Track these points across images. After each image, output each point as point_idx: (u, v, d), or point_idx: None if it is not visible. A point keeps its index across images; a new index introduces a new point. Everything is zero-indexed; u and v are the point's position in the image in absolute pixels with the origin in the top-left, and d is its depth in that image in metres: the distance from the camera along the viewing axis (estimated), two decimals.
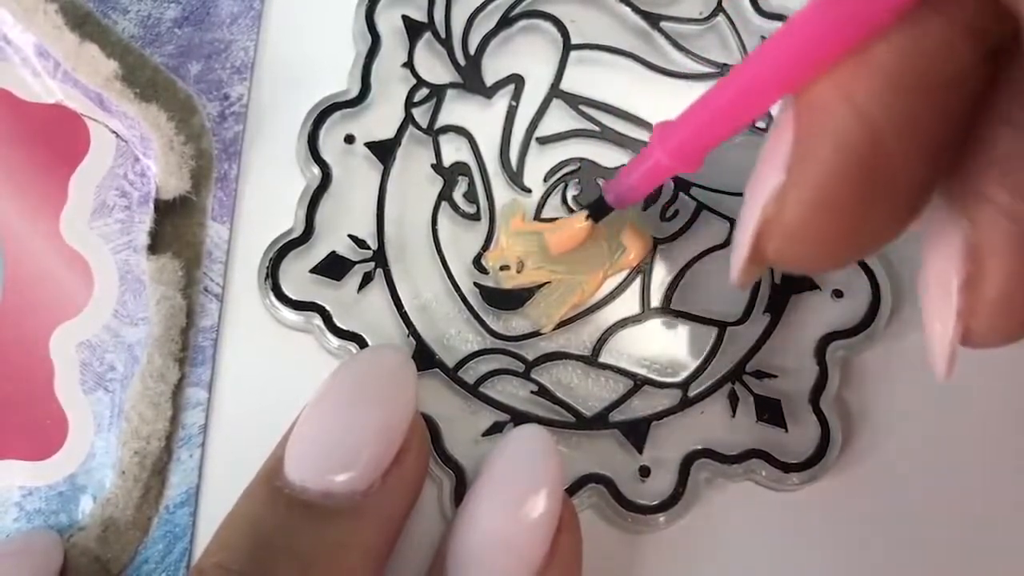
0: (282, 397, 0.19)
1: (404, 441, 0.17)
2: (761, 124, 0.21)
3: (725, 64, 0.22)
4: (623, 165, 0.21)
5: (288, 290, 0.20)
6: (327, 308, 0.20)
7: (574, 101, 0.21)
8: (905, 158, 0.12)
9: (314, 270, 0.21)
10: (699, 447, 0.20)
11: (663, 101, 0.21)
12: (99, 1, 0.21)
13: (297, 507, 0.17)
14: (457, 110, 0.21)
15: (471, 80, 0.21)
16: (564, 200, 0.21)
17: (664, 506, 0.19)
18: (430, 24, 0.22)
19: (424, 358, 0.20)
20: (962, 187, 0.13)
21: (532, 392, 0.20)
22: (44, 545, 0.20)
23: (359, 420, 0.17)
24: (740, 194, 0.21)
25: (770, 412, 0.20)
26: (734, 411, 0.20)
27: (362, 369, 0.18)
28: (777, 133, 0.13)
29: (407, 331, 0.20)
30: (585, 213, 0.20)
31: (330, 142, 0.21)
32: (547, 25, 0.22)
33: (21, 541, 0.20)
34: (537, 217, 0.21)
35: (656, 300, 0.21)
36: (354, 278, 0.21)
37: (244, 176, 0.21)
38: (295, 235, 0.21)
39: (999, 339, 0.13)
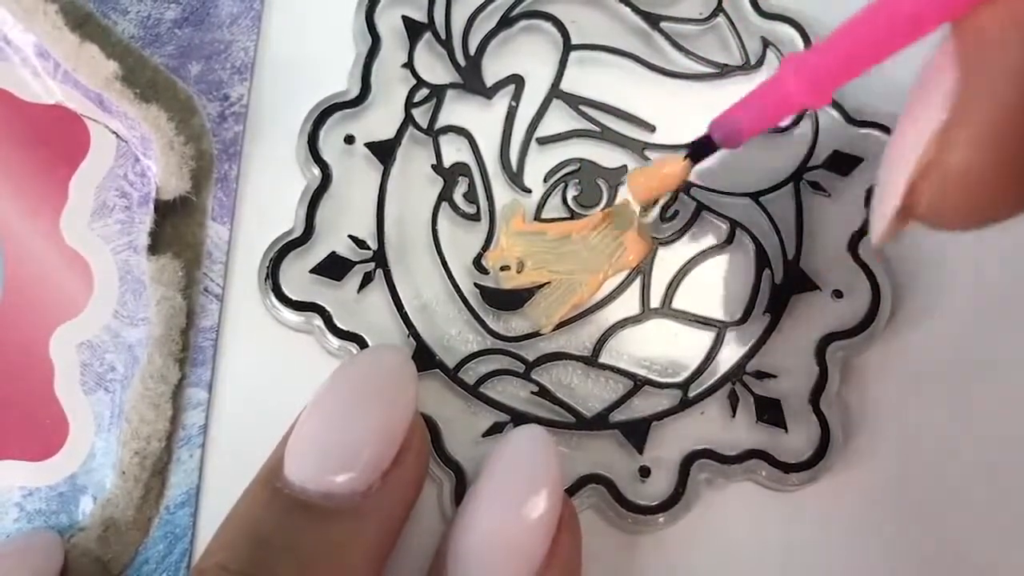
0: (282, 397, 0.19)
1: (404, 441, 0.17)
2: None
3: (725, 64, 0.22)
4: (624, 165, 0.21)
5: (288, 290, 0.20)
6: (327, 308, 0.20)
7: (574, 101, 0.21)
8: None
9: (314, 270, 0.21)
10: (699, 447, 0.20)
11: (663, 101, 0.21)
12: (99, 2, 0.21)
13: (297, 508, 0.17)
14: (457, 110, 0.21)
15: (471, 80, 0.21)
16: (564, 200, 0.21)
17: (664, 506, 0.19)
18: (430, 24, 0.22)
19: (424, 358, 0.20)
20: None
21: (532, 392, 0.20)
22: (44, 545, 0.20)
23: (359, 421, 0.17)
24: (740, 195, 0.21)
25: (770, 412, 0.20)
26: (734, 411, 0.20)
27: (362, 370, 0.18)
28: (931, 72, 0.12)
29: (407, 331, 0.20)
30: (681, 156, 0.18)
31: (330, 142, 0.21)
32: (547, 25, 0.22)
33: (21, 541, 0.20)
34: (537, 217, 0.21)
35: (656, 300, 0.21)
36: (354, 278, 0.21)
37: (244, 176, 0.22)
38: (295, 235, 0.21)
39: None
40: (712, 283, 0.21)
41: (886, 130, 0.21)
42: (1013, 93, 0.11)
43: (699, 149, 0.18)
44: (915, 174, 0.12)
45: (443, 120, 0.21)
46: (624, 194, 0.21)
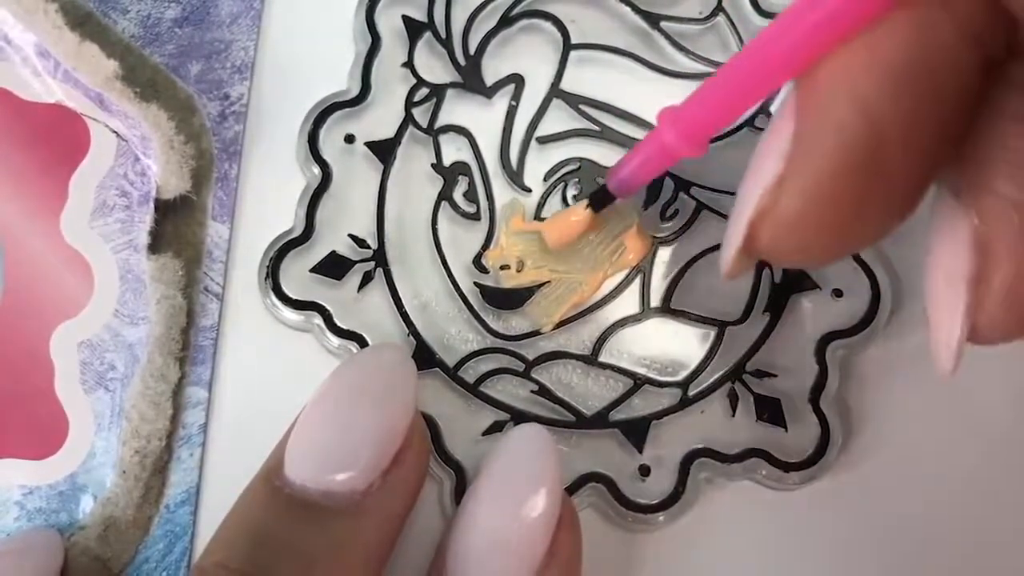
0: (282, 396, 0.19)
1: (404, 440, 0.17)
2: (760, 124, 0.21)
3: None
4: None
5: (288, 289, 0.20)
6: (327, 307, 0.20)
7: (574, 101, 0.21)
8: (905, 154, 0.12)
9: (314, 269, 0.21)
10: (699, 446, 0.20)
11: (663, 101, 0.21)
12: (99, 1, 0.21)
13: (297, 506, 0.17)
14: (457, 110, 0.21)
15: (471, 80, 0.21)
16: (564, 200, 0.21)
17: (664, 505, 0.19)
18: (430, 24, 0.22)
19: (424, 357, 0.20)
20: (970, 181, 0.13)
21: (532, 391, 0.20)
22: (44, 544, 0.20)
23: (359, 420, 0.17)
24: None
25: (770, 411, 0.20)
26: (734, 410, 0.20)
27: (362, 369, 0.18)
28: (778, 122, 0.13)
29: (407, 331, 0.20)
30: (584, 203, 0.20)
31: (330, 142, 0.21)
32: (547, 25, 0.22)
33: (22, 540, 0.20)
34: (537, 217, 0.21)
35: (656, 299, 0.21)
36: (354, 277, 0.21)
37: (244, 176, 0.22)
38: (295, 235, 0.21)
39: (1007, 334, 0.13)
40: (712, 282, 0.21)
41: None
42: (837, 148, 0.12)
43: (598, 198, 0.19)
44: (754, 218, 0.13)
45: (443, 119, 0.21)
46: None
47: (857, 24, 0.12)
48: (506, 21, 0.22)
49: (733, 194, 0.21)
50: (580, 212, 0.20)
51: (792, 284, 0.21)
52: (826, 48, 0.12)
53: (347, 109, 0.21)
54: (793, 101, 0.13)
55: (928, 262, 0.14)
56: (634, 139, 0.21)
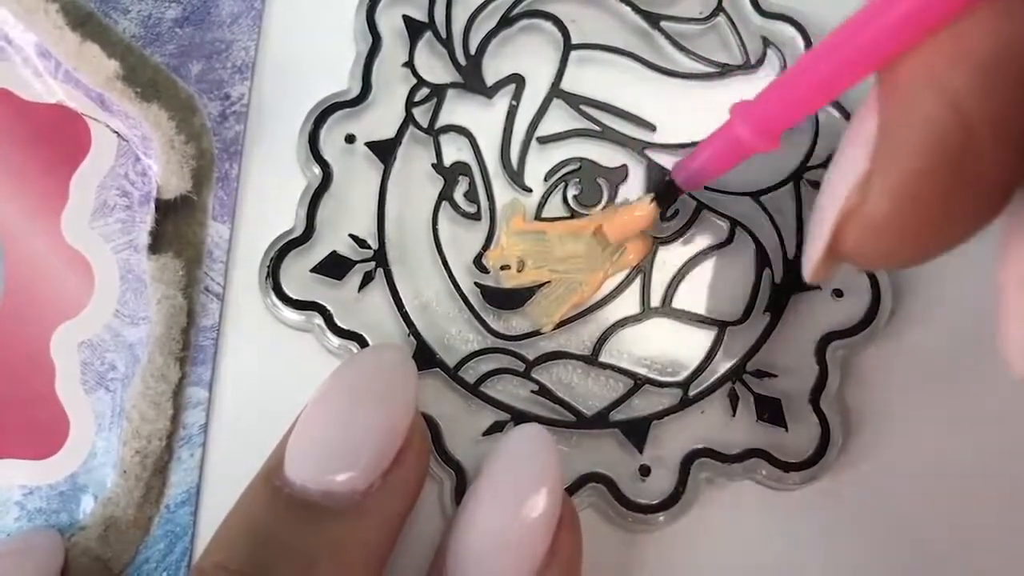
0: (283, 396, 0.19)
1: (404, 441, 0.17)
2: None
3: (725, 64, 0.22)
4: (624, 165, 0.21)
5: (289, 289, 0.20)
6: (328, 307, 0.20)
7: (575, 101, 0.21)
8: (995, 151, 0.12)
9: (315, 269, 0.21)
10: (699, 446, 0.20)
11: (663, 101, 0.21)
12: (100, 1, 0.21)
13: (297, 507, 0.17)
14: (458, 110, 0.21)
15: (472, 80, 0.21)
16: (565, 200, 0.21)
17: (664, 505, 0.19)
18: (431, 24, 0.22)
19: (425, 358, 0.20)
20: None
21: (532, 391, 0.20)
22: (45, 544, 0.20)
23: (359, 420, 0.17)
24: (740, 194, 0.21)
25: (770, 411, 0.20)
26: (734, 410, 0.20)
27: (362, 369, 0.18)
28: (862, 117, 0.13)
29: (408, 331, 0.20)
30: (650, 197, 0.19)
31: (331, 142, 0.21)
32: (547, 25, 0.22)
33: (22, 540, 0.20)
34: (538, 217, 0.21)
35: (656, 300, 0.21)
36: (355, 277, 0.21)
37: (245, 176, 0.22)
38: (296, 235, 0.21)
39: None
40: (712, 282, 0.21)
41: None
42: (925, 143, 0.12)
43: (664, 192, 0.19)
44: (839, 219, 0.13)
45: (444, 119, 0.21)
46: (624, 194, 0.21)
47: (944, 16, 0.12)
48: (506, 21, 0.22)
49: (733, 194, 0.21)
50: (645, 207, 0.19)
51: (792, 284, 0.21)
52: (911, 41, 0.12)
53: (348, 109, 0.21)
54: (876, 96, 0.12)
55: (1000, 265, 0.13)
56: (634, 139, 0.21)
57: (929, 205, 0.12)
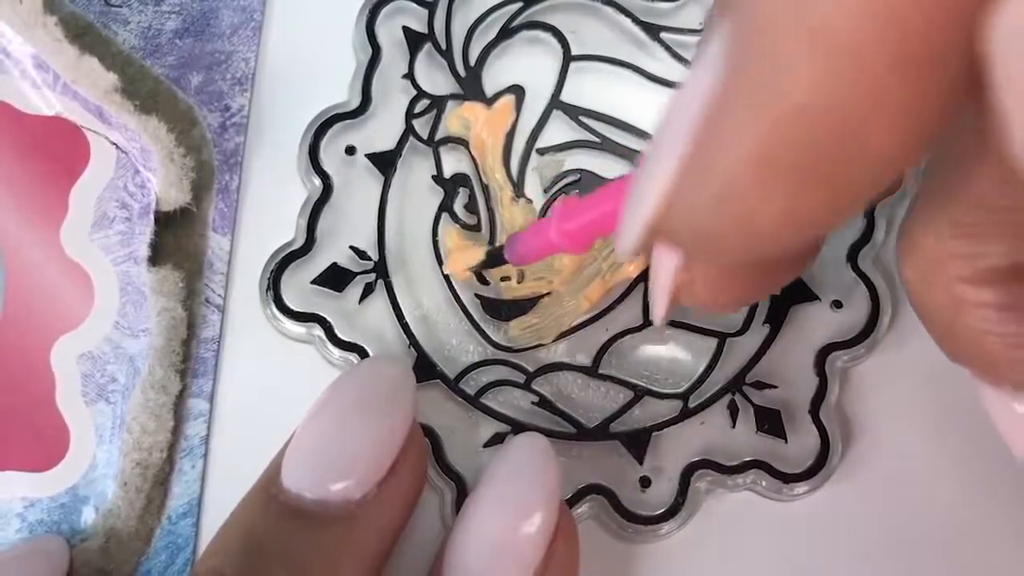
0: (284, 408, 0.19)
1: (400, 452, 0.17)
2: None
3: None
4: (622, 176, 0.21)
5: (289, 301, 0.20)
6: (328, 319, 0.20)
7: (574, 112, 0.21)
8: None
9: (315, 281, 0.21)
10: (699, 457, 0.20)
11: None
12: (99, 13, 0.21)
13: (292, 515, 0.17)
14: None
15: (472, 91, 0.21)
16: None
17: (664, 516, 0.20)
18: (430, 35, 0.22)
19: (425, 369, 0.20)
20: None
21: (533, 403, 0.20)
22: (51, 549, 0.20)
23: (356, 430, 0.17)
24: None
25: (770, 422, 0.20)
26: (734, 421, 0.20)
27: (360, 380, 0.18)
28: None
29: (408, 342, 0.20)
30: (484, 252, 0.20)
31: (331, 153, 0.21)
32: (547, 36, 0.22)
33: (28, 546, 0.20)
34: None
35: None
36: (355, 289, 0.21)
37: (245, 187, 0.22)
38: (296, 246, 0.21)
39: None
40: None
41: None
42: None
43: (491, 257, 0.19)
44: (672, 292, 0.14)
45: (444, 131, 0.21)
46: None
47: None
48: (506, 32, 0.22)
49: None
50: (472, 265, 0.20)
51: (792, 295, 0.21)
52: None
53: (348, 120, 0.21)
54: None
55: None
56: (634, 150, 0.21)
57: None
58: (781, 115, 0.09)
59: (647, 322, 0.21)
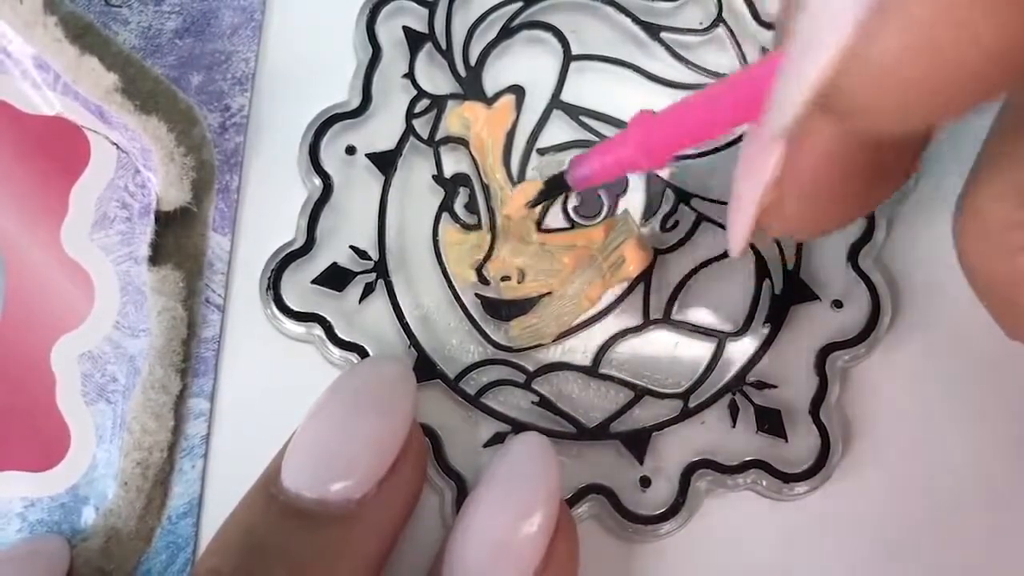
0: (284, 407, 0.19)
1: (400, 451, 0.17)
2: None
3: (725, 75, 0.22)
4: (624, 176, 0.21)
5: (290, 301, 0.20)
6: (328, 319, 0.20)
7: (575, 112, 0.21)
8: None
9: (315, 281, 0.21)
10: (699, 457, 0.20)
11: None
12: (99, 13, 0.21)
13: (291, 514, 0.17)
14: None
15: (472, 90, 0.21)
16: (565, 211, 0.21)
17: (665, 516, 0.20)
18: (431, 34, 0.22)
19: (425, 369, 0.20)
20: None
21: (533, 403, 0.20)
22: (51, 549, 0.20)
23: (355, 430, 0.17)
24: None
25: (770, 422, 0.20)
26: (734, 421, 0.20)
27: (360, 380, 0.18)
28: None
29: (408, 342, 0.20)
30: (544, 186, 0.19)
31: (331, 153, 0.21)
32: (547, 36, 0.22)
33: (29, 546, 0.20)
34: (538, 228, 0.21)
35: (657, 311, 0.21)
36: (355, 289, 0.21)
37: (245, 187, 0.22)
38: (296, 246, 0.21)
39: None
40: (712, 293, 0.21)
41: None
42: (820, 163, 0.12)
43: (554, 185, 0.19)
44: (758, 215, 0.13)
45: (444, 130, 0.21)
46: (624, 205, 0.21)
47: None
48: (507, 32, 0.22)
49: None
50: (528, 193, 0.19)
51: (792, 295, 0.21)
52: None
53: (348, 120, 0.21)
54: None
55: None
56: None
57: (832, 202, 0.13)
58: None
59: (647, 321, 0.21)
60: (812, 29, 0.10)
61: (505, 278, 0.21)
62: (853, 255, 0.21)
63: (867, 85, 0.10)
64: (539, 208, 0.20)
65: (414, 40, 0.22)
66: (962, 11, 0.09)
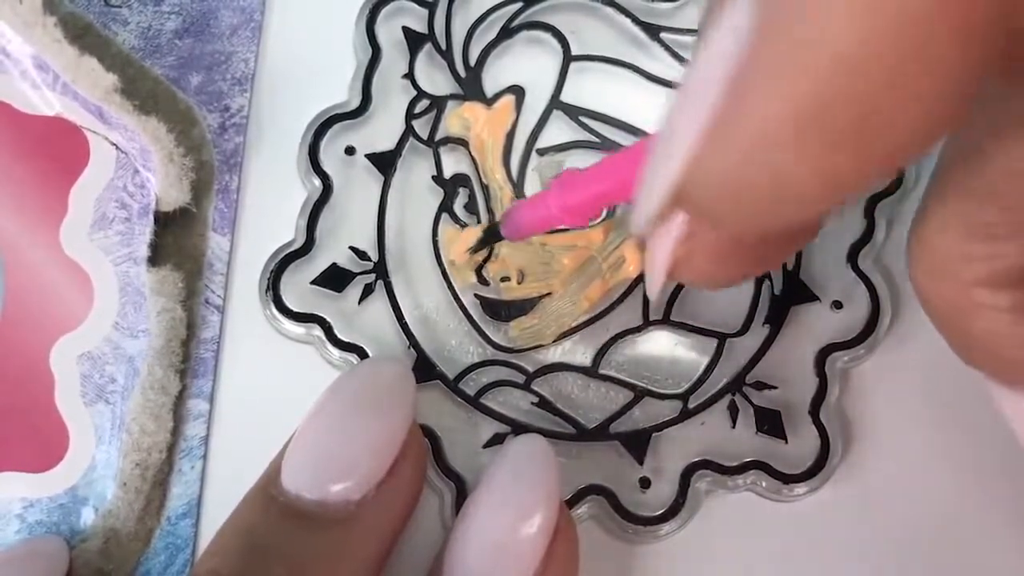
0: (283, 408, 0.19)
1: (400, 453, 0.17)
2: None
3: None
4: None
5: (289, 302, 0.20)
6: (328, 320, 0.20)
7: (574, 112, 0.21)
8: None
9: (315, 281, 0.21)
10: (699, 458, 0.20)
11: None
12: (99, 13, 0.21)
13: (291, 515, 0.17)
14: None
15: (472, 91, 0.21)
16: None
17: (664, 517, 0.19)
18: (431, 35, 0.22)
19: (425, 369, 0.20)
20: None
21: (533, 403, 0.20)
22: (50, 550, 0.20)
23: (355, 431, 0.17)
24: None
25: (770, 423, 0.20)
26: (734, 422, 0.20)
27: (360, 381, 0.18)
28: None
29: (408, 342, 0.20)
30: (480, 234, 0.20)
31: (331, 153, 0.21)
32: (547, 36, 0.22)
33: (28, 547, 0.20)
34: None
35: (656, 312, 0.21)
36: (355, 289, 0.21)
37: (245, 187, 0.21)
38: (296, 246, 0.21)
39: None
40: (712, 294, 0.21)
41: None
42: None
43: (488, 234, 0.20)
44: (673, 259, 0.13)
45: (444, 131, 0.21)
46: (623, 206, 0.21)
47: None
48: (507, 32, 0.22)
49: None
50: (468, 240, 0.20)
51: (792, 296, 0.21)
52: None
53: (347, 121, 0.21)
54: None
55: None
56: None
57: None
58: (820, 66, 0.08)
59: (647, 322, 0.21)
60: (672, 124, 0.10)
61: (505, 279, 0.21)
62: (853, 255, 0.21)
63: (708, 195, 0.10)
64: (480, 254, 0.20)
65: (414, 40, 0.22)
66: (774, 154, 0.09)
